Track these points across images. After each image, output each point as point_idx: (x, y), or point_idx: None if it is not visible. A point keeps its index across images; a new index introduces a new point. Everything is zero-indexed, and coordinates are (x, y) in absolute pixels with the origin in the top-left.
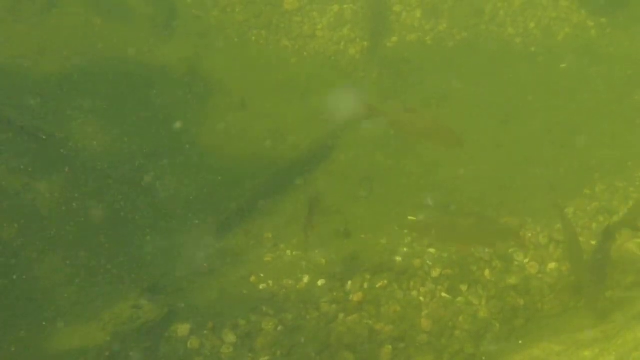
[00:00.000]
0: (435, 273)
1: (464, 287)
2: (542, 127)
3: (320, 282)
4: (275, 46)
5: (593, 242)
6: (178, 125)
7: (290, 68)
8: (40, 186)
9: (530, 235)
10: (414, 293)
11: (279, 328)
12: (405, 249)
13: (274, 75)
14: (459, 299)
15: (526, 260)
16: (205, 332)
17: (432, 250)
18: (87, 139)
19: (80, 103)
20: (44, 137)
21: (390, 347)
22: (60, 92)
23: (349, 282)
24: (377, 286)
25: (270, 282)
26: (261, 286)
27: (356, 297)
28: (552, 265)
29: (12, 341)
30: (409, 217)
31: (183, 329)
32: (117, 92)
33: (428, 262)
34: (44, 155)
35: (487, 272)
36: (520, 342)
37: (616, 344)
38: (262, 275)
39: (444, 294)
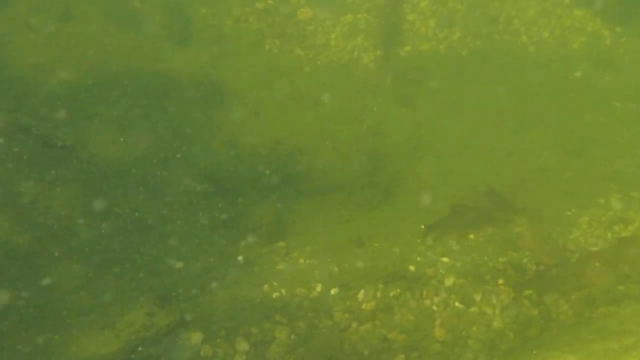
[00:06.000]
0: (448, 282)
1: (477, 297)
2: (556, 136)
3: (333, 291)
4: (289, 55)
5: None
6: (192, 133)
7: (303, 77)
8: (55, 194)
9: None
10: (427, 302)
11: (292, 336)
12: (418, 258)
13: (288, 84)
14: (473, 308)
15: (540, 269)
16: (218, 340)
17: (445, 259)
18: (102, 147)
19: (95, 111)
20: (60, 145)
21: (403, 356)
22: (75, 100)
23: (362, 291)
24: (390, 295)
25: (283, 291)
26: (274, 294)
27: (369, 306)
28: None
29: (26, 348)
30: (422, 226)
31: (196, 337)
32: (132, 100)
33: (441, 270)
34: (60, 163)
35: (500, 282)
36: (534, 352)
37: (631, 355)
38: (275, 283)
39: (457, 304)
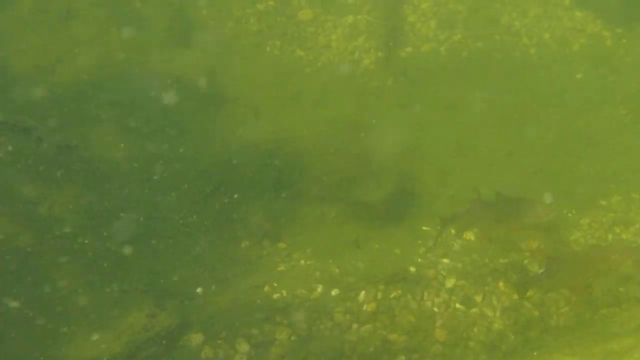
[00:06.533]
0: (449, 283)
1: (478, 298)
2: (557, 137)
3: (333, 292)
4: (290, 56)
5: None
6: (193, 134)
7: (304, 78)
8: (57, 195)
9: (544, 247)
10: (428, 303)
11: (293, 338)
12: (419, 259)
13: (288, 85)
14: (474, 310)
15: (541, 271)
16: (218, 341)
17: (446, 260)
18: (103, 148)
19: (97, 112)
20: (61, 147)
21: (403, 357)
22: (77, 101)
23: (363, 292)
24: (391, 296)
25: (284, 292)
26: (275, 296)
27: (370, 307)
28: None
29: (26, 350)
30: (423, 228)
31: (197, 338)
32: (132, 101)
33: (442, 272)
34: (61, 165)
35: (501, 284)
36: (535, 353)
37: (632, 356)
38: (275, 284)
39: (458, 305)
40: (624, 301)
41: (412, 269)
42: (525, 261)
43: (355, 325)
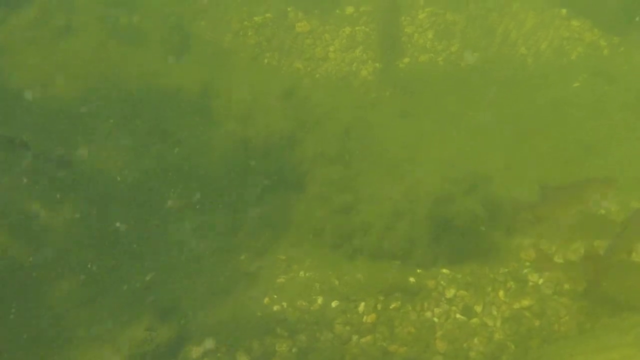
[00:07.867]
0: (449, 294)
1: (478, 308)
2: (556, 146)
3: (333, 304)
4: (288, 68)
5: None
6: (191, 146)
7: (302, 90)
8: (57, 209)
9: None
10: (428, 314)
11: (293, 350)
12: (418, 270)
13: (286, 97)
14: (474, 320)
15: (541, 281)
16: (218, 354)
17: (445, 270)
18: (101, 161)
19: (95, 126)
20: (59, 160)
21: None
22: (75, 114)
23: (363, 304)
24: (391, 307)
25: (284, 304)
26: (275, 308)
27: (370, 319)
28: (567, 286)
29: None
30: None
31: (196, 351)
32: (131, 114)
33: (442, 282)
34: (61, 179)
35: (501, 293)
36: None
37: None
38: (275, 296)
39: (458, 315)
40: (625, 310)
41: (412, 280)
42: (525, 270)
43: (355, 337)
